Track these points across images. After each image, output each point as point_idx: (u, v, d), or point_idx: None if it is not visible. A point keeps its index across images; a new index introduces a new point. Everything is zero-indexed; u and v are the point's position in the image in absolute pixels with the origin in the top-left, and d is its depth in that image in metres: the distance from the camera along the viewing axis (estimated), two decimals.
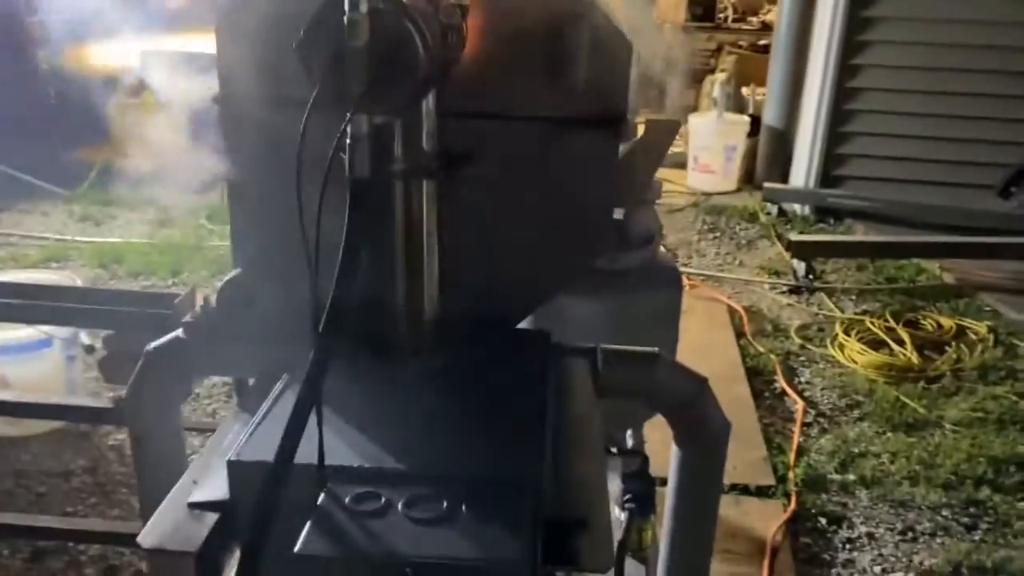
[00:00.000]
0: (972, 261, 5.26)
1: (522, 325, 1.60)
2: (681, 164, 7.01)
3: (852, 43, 5.89)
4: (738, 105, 7.38)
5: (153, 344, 1.61)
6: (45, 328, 3.13)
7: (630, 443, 2.40)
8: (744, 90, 7.54)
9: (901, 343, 4.30)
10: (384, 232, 1.33)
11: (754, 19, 9.24)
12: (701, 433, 1.60)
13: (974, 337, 4.44)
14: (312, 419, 1.09)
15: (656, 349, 1.56)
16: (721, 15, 9.34)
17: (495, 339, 1.48)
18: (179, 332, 1.59)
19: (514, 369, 1.41)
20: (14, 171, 5.74)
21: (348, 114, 1.07)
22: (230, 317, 1.53)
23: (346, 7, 1.04)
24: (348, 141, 1.10)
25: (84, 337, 3.39)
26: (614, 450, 2.23)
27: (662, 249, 2.38)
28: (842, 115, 6.07)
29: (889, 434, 3.59)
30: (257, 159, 1.45)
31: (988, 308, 4.83)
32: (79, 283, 3.42)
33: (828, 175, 6.21)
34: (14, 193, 5.82)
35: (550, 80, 1.38)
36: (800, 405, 3.75)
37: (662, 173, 6.94)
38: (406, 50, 1.06)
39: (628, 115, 1.45)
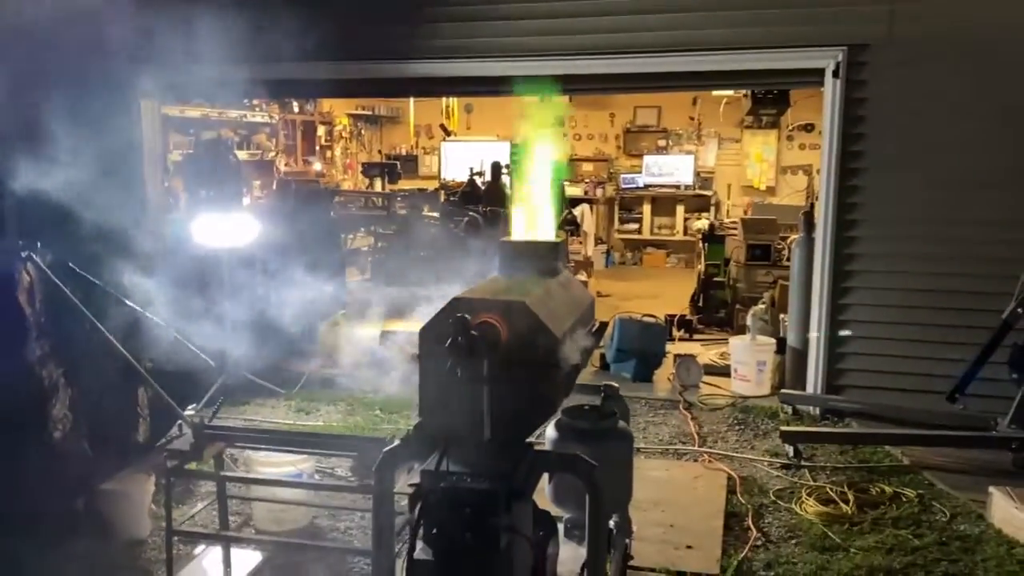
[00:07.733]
0: (925, 448, 7.14)
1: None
2: (726, 373, 9.22)
3: (838, 289, 8.13)
4: (775, 328, 9.58)
5: (387, 447, 3.99)
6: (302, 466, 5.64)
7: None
8: (782, 316, 9.75)
9: (847, 501, 6.23)
10: None
11: None
12: None
13: (904, 501, 6.31)
14: None
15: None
16: (776, 255, 11.70)
17: None
18: (396, 444, 3.97)
19: None
20: (252, 377, 8.55)
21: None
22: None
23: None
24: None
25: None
26: None
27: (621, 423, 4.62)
28: (838, 340, 8.19)
29: (810, 553, 5.52)
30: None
31: (927, 482, 6.68)
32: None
33: (832, 384, 8.27)
34: (251, 393, 8.62)
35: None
36: (754, 533, 5.74)
37: (713, 380, 9.17)
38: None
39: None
